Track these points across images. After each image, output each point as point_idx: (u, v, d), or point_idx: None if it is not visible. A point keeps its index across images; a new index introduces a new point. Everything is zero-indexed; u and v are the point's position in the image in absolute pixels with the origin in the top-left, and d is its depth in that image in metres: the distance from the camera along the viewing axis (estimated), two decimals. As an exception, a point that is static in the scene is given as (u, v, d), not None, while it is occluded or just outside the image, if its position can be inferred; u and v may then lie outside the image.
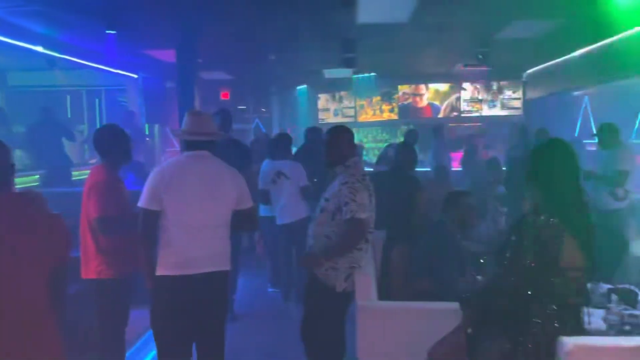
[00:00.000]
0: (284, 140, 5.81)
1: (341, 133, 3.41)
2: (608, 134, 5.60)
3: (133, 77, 9.31)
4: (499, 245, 2.38)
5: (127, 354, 3.64)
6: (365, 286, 3.24)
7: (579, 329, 2.31)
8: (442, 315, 2.75)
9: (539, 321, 2.22)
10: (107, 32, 5.78)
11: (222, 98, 11.02)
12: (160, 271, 2.86)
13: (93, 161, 7.41)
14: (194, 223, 2.86)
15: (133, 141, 3.90)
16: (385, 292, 3.53)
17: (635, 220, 5.71)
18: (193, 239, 2.85)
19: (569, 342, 2.12)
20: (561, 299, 2.24)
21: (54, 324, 2.07)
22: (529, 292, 2.22)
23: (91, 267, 3.32)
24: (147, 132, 9.93)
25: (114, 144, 3.39)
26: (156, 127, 10.14)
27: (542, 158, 2.36)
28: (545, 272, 2.19)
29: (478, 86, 11.10)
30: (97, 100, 11.02)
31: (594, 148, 7.16)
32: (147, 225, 2.89)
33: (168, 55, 7.47)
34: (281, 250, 5.77)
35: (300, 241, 4.32)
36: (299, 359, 3.53)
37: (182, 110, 6.29)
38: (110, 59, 6.04)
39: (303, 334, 3.46)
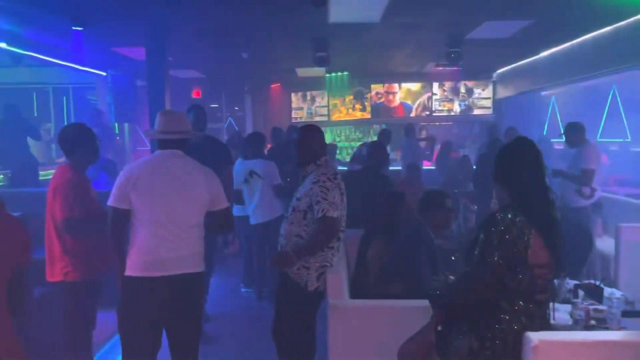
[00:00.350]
0: (257, 139, 5.77)
1: (312, 132, 3.41)
2: (574, 133, 5.74)
3: (102, 75, 9.12)
4: (469, 243, 2.41)
5: (95, 357, 3.57)
6: (337, 285, 3.24)
7: (546, 325, 2.36)
8: (414, 314, 2.75)
9: (507, 317, 2.25)
10: (74, 28, 5.64)
11: (193, 96, 10.91)
12: (128, 272, 2.80)
13: (60, 160, 7.25)
14: (163, 223, 2.80)
15: (101, 140, 3.83)
16: (359, 291, 3.54)
17: (601, 217, 5.87)
18: (162, 239, 2.79)
19: (535, 337, 2.16)
20: (528, 296, 2.27)
21: (12, 328, 2.01)
22: (497, 289, 2.25)
23: (57, 269, 3.24)
24: (116, 131, 9.75)
25: (79, 143, 3.32)
26: (126, 125, 9.97)
27: (507, 157, 2.39)
28: (512, 269, 2.23)
29: (445, 88, 11.25)
30: (64, 98, 10.79)
31: (561, 147, 7.33)
32: (116, 224, 2.84)
33: (138, 53, 7.34)
34: (255, 249, 5.73)
35: (274, 240, 4.29)
36: (272, 359, 3.51)
37: (153, 108, 6.17)
38: (77, 56, 5.89)
39: (274, 333, 3.44)
